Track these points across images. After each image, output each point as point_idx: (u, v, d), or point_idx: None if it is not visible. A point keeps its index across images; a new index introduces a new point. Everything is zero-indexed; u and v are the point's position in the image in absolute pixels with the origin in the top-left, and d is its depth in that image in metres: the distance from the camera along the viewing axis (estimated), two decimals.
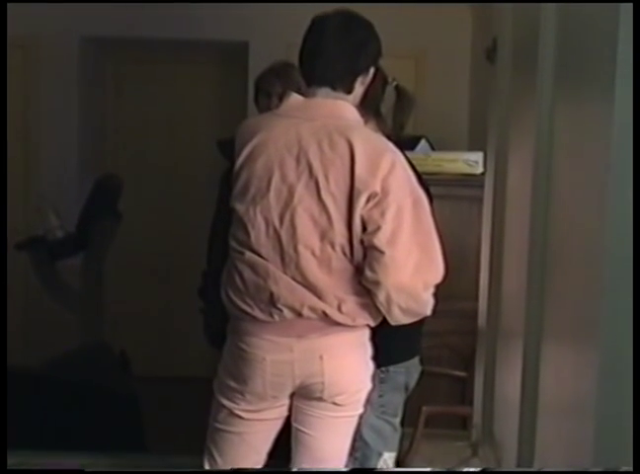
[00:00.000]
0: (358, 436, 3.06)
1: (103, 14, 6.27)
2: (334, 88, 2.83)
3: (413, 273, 2.70)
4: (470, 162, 4.74)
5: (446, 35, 6.05)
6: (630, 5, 1.40)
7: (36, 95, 6.46)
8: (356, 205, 2.68)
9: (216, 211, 3.77)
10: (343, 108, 2.83)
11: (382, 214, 2.66)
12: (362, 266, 2.76)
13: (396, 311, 2.75)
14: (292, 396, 2.93)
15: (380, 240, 2.67)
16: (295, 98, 2.86)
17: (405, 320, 2.80)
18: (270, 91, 3.69)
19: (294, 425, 2.98)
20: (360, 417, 3.00)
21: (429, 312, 2.81)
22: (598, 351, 1.55)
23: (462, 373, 4.64)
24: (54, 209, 5.43)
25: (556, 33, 1.95)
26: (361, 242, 2.73)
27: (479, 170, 4.64)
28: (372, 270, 2.71)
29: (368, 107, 3.05)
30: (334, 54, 2.83)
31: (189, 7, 6.23)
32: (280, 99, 3.48)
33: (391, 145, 2.80)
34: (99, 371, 5.05)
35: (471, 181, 4.45)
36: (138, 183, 6.61)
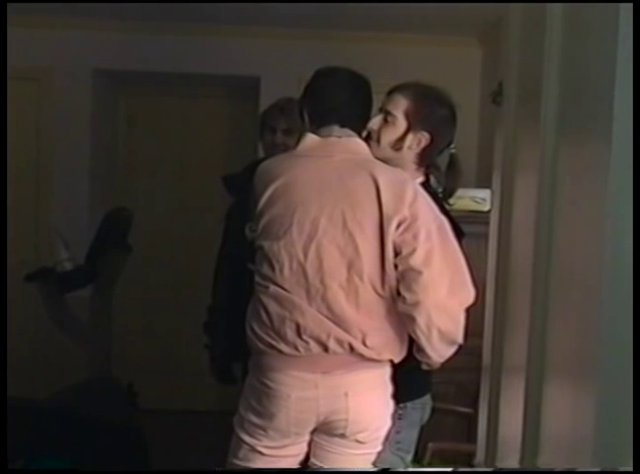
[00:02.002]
0: None
1: (115, 48, 6.33)
2: (347, 128, 2.92)
3: (448, 292, 2.73)
4: (478, 199, 4.77)
5: (456, 74, 6.07)
6: (628, 53, 1.43)
7: (48, 127, 6.50)
8: (387, 231, 2.72)
9: (222, 246, 3.80)
10: (358, 144, 2.92)
11: (415, 237, 2.71)
12: (391, 298, 2.79)
13: (435, 335, 2.75)
14: (313, 432, 2.94)
15: (416, 261, 2.71)
16: (311, 138, 2.93)
17: (442, 347, 2.80)
18: (274, 126, 3.74)
19: (312, 460, 2.98)
20: (378, 454, 3.00)
21: (461, 339, 2.82)
22: (596, 390, 1.56)
23: (469, 410, 4.63)
24: (64, 241, 5.44)
25: (559, 78, 1.98)
26: (395, 267, 2.75)
27: (486, 207, 4.66)
28: (411, 291, 2.73)
29: (425, 157, 3.11)
30: (347, 98, 2.96)
31: (201, 41, 6.29)
32: (285, 134, 3.60)
33: (409, 176, 2.88)
34: (106, 404, 5.05)
35: (478, 218, 4.46)
36: (148, 216, 6.64)
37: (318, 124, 2.96)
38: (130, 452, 4.78)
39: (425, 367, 2.94)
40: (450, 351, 2.85)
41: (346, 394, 2.83)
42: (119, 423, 4.87)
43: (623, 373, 1.50)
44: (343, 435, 2.89)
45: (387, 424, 2.96)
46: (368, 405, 2.89)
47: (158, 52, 6.34)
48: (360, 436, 2.89)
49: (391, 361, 2.91)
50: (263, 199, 2.88)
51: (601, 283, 1.57)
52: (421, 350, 2.83)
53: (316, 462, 2.98)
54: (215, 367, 3.74)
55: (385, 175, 2.79)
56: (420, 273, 2.71)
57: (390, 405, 2.96)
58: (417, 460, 3.47)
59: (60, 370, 6.06)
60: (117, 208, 5.91)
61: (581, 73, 1.80)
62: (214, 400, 6.36)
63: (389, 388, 2.94)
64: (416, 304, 2.73)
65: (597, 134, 1.61)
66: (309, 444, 2.98)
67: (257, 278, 2.92)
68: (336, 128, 2.92)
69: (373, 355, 2.82)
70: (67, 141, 6.47)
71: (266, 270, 2.86)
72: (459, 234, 2.98)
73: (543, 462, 1.99)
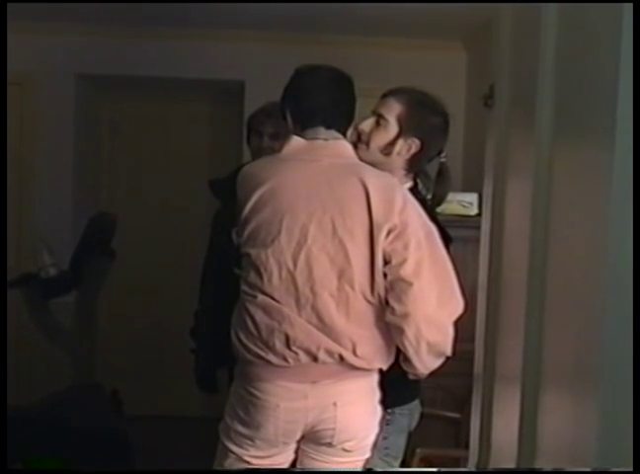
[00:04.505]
0: None
1: (99, 52, 6.29)
2: (333, 130, 2.87)
3: (437, 303, 2.71)
4: (465, 203, 4.76)
5: (441, 78, 6.05)
6: (630, 53, 1.40)
7: (31, 132, 6.47)
8: (377, 239, 2.68)
9: (208, 251, 3.77)
10: (345, 147, 2.87)
11: (406, 247, 2.68)
12: (380, 306, 2.75)
13: (424, 348, 2.72)
14: (300, 440, 2.91)
15: (406, 272, 2.67)
16: (297, 140, 2.87)
17: (429, 360, 2.78)
18: (261, 131, 3.72)
19: (299, 468, 2.95)
20: (366, 461, 2.98)
21: (449, 352, 2.80)
22: (597, 399, 1.54)
23: (456, 415, 4.62)
24: (48, 247, 5.41)
25: (555, 79, 1.96)
26: (384, 276, 2.72)
27: (474, 211, 4.66)
28: (401, 302, 2.69)
29: (414, 164, 3.08)
30: (331, 98, 2.89)
31: (185, 45, 6.26)
32: (272, 138, 3.56)
33: (397, 181, 2.85)
34: (90, 411, 5.01)
35: (466, 222, 4.45)
36: (132, 221, 6.60)
37: (302, 126, 2.90)
38: (115, 459, 4.75)
39: (411, 377, 2.91)
40: (437, 363, 2.83)
41: (334, 404, 2.80)
42: (103, 429, 4.83)
43: (628, 382, 1.47)
44: (330, 444, 2.87)
45: (375, 432, 2.94)
46: (356, 414, 2.86)
47: (141, 57, 6.31)
48: (346, 445, 2.87)
49: (380, 369, 2.88)
50: (248, 205, 2.82)
51: (604, 289, 1.54)
52: (407, 360, 2.80)
53: (304, 470, 2.96)
54: (199, 375, 3.71)
55: (375, 180, 2.74)
56: (410, 284, 2.67)
57: (378, 412, 2.94)
58: (405, 466, 3.46)
59: (44, 377, 6.01)
60: (100, 213, 5.88)
61: (579, 72, 1.77)
62: (200, 406, 6.32)
63: (377, 395, 2.92)
64: (405, 316, 2.70)
65: (597, 136, 1.58)
66: (296, 452, 2.96)
67: (243, 287, 2.87)
68: (321, 130, 2.87)
69: (364, 365, 2.79)
70: (50, 146, 6.44)
71: (253, 278, 2.81)
72: (447, 240, 2.95)
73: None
